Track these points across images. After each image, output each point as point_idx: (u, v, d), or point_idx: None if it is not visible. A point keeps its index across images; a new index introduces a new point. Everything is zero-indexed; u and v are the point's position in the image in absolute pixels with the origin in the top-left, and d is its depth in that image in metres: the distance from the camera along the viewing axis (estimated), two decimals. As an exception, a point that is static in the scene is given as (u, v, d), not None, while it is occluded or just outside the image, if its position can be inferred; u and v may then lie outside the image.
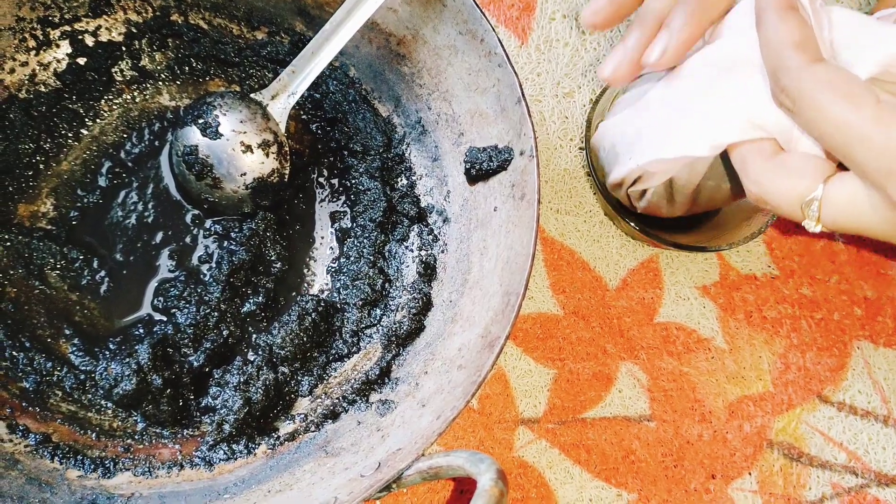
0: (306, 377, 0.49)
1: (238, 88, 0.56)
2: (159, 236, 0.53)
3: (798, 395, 0.55)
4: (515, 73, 0.47)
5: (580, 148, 0.59)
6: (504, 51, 0.47)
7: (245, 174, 0.51)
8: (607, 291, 0.57)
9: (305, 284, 0.53)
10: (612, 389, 0.55)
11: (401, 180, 0.54)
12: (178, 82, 0.56)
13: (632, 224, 0.52)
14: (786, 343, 0.56)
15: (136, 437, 0.47)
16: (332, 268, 0.53)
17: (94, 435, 0.47)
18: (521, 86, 0.47)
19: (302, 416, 0.48)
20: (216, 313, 0.50)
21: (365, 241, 0.53)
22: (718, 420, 0.54)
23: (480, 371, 0.41)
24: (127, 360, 0.47)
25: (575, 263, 0.57)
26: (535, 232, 0.44)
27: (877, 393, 0.56)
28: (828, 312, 0.57)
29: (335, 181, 0.55)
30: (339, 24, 0.50)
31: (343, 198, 0.55)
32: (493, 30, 0.47)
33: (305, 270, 0.54)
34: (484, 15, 0.48)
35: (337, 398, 0.48)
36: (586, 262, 0.57)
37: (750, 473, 0.54)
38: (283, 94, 0.52)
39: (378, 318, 0.51)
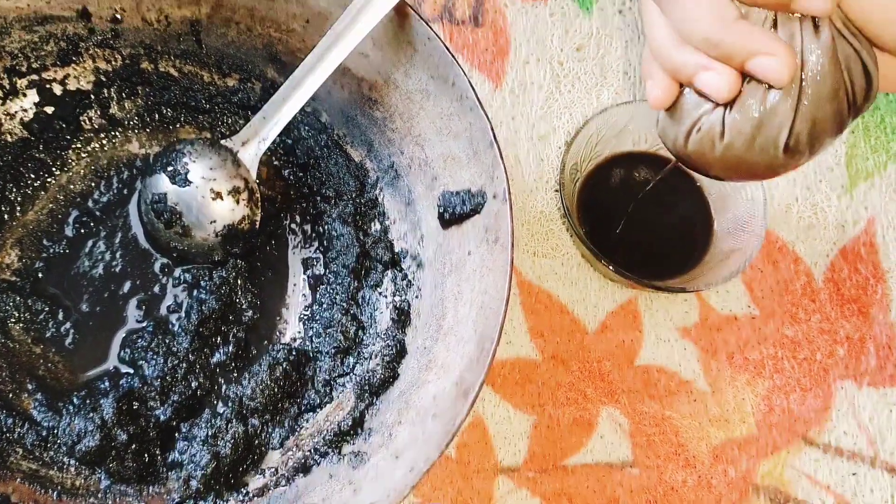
0: (277, 429, 0.48)
1: (209, 135, 0.56)
2: (127, 286, 0.52)
3: (783, 437, 0.54)
4: (487, 116, 0.46)
5: (555, 190, 0.59)
6: (475, 94, 0.47)
7: (215, 221, 0.50)
8: (586, 335, 0.56)
9: (278, 333, 0.52)
10: (594, 435, 0.53)
11: (374, 225, 0.53)
12: (147, 130, 0.55)
13: (609, 266, 0.52)
14: (769, 384, 0.55)
15: (100, 495, 0.45)
16: (305, 315, 0.52)
17: (55, 494, 0.45)
18: (492, 129, 0.46)
19: (272, 469, 0.47)
20: (184, 364, 0.49)
21: (338, 287, 0.52)
22: (703, 465, 0.53)
23: (455, 420, 0.40)
24: (90, 414, 0.45)
25: (553, 307, 0.56)
26: (509, 276, 0.43)
27: (862, 433, 0.55)
28: (810, 353, 0.57)
29: (308, 227, 0.54)
30: (309, 70, 0.49)
31: (316, 244, 0.54)
32: (465, 74, 0.47)
33: (277, 318, 0.52)
34: (455, 59, 0.48)
35: (308, 450, 0.47)
36: (564, 305, 0.56)
37: (736, 520, 0.52)
38: (254, 141, 0.51)
39: (351, 366, 0.50)
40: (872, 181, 0.62)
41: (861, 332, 0.57)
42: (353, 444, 0.46)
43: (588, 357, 0.55)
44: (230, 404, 0.48)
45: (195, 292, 0.51)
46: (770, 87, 0.38)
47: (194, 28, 0.53)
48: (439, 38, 0.48)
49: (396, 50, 0.50)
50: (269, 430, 0.48)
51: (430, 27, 0.48)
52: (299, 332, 0.52)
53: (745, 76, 0.39)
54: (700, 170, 0.44)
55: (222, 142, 0.51)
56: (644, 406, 0.54)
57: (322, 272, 0.53)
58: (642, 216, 0.58)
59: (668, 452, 0.53)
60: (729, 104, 0.39)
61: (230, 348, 0.50)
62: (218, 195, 0.50)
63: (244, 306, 0.52)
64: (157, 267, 0.52)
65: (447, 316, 0.47)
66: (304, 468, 0.46)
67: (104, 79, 0.54)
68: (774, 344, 0.56)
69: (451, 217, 0.48)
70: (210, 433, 0.46)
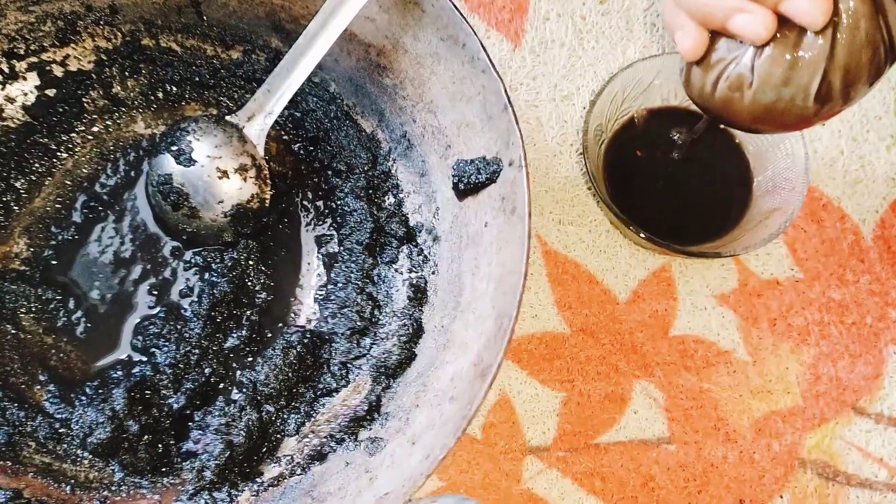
0: (293, 415, 0.46)
1: (215, 111, 0.54)
2: (138, 271, 0.50)
3: (831, 408, 0.51)
4: (500, 78, 0.43)
5: (580, 153, 0.56)
6: (487, 55, 0.44)
7: (223, 201, 0.48)
8: (617, 305, 0.53)
9: (292, 314, 0.50)
10: (627, 411, 0.51)
11: (388, 199, 0.51)
12: (152, 109, 0.53)
13: (640, 234, 0.49)
14: (815, 352, 0.52)
15: (114, 488, 0.44)
16: (320, 295, 0.50)
17: (68, 488, 0.44)
18: (506, 91, 0.43)
19: (288, 458, 0.45)
20: (197, 350, 0.47)
21: (353, 265, 0.50)
22: (744, 439, 0.50)
23: (472, 404, 0.38)
24: (102, 405, 0.44)
25: (581, 277, 0.53)
26: (526, 248, 0.40)
27: (918, 402, 0.51)
28: (859, 316, 0.53)
29: (320, 203, 0.52)
30: (313, 37, 0.47)
31: (329, 220, 0.52)
32: (475, 33, 0.44)
33: (292, 300, 0.51)
34: (465, 18, 0.45)
35: (325, 437, 0.45)
36: (593, 274, 0.53)
37: (782, 496, 0.49)
38: (260, 115, 0.49)
39: (368, 347, 0.48)
40: (925, 129, 0.57)
41: (915, 293, 0.53)
42: (370, 429, 0.44)
43: (619, 329, 0.52)
44: (244, 391, 0.46)
45: (206, 275, 0.50)
46: (802, 31, 0.36)
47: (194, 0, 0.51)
48: (447, -5, 0.45)
49: (403, 12, 0.47)
50: (285, 416, 0.46)
51: (436, -16, 0.45)
52: (314, 313, 0.50)
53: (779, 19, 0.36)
54: (727, 121, 0.41)
55: (227, 118, 0.49)
56: (680, 379, 0.51)
57: (336, 250, 0.51)
58: (675, 177, 0.54)
59: (706, 427, 0.50)
60: (759, 49, 0.37)
61: (244, 332, 0.49)
62: (224, 174, 0.48)
63: (257, 288, 0.50)
64: (167, 250, 0.51)
65: (464, 292, 0.45)
66: (319, 455, 0.44)
67: (105, 58, 0.52)
68: (820, 308, 0.53)
69: (467, 187, 0.46)
70: (224, 422, 0.45)
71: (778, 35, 0.36)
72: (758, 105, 0.38)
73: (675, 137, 0.54)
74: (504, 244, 0.43)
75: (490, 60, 0.44)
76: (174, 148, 0.48)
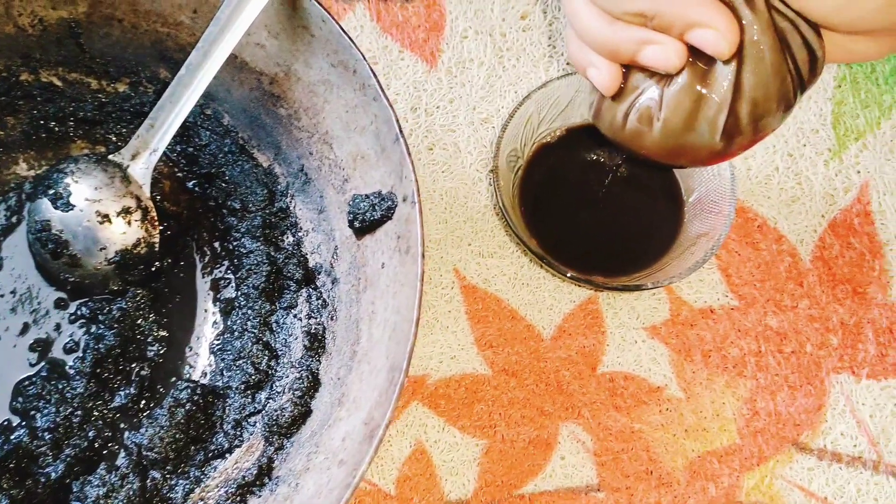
0: (181, 480, 0.42)
1: (103, 149, 0.50)
2: (18, 326, 0.46)
3: (770, 445, 0.48)
4: (391, 106, 0.40)
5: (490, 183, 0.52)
6: (377, 81, 0.41)
7: (105, 248, 0.45)
8: (541, 342, 0.49)
9: (188, 367, 0.46)
10: (553, 457, 0.47)
11: (287, 238, 0.47)
12: (35, 148, 0.49)
13: (560, 272, 0.45)
14: (752, 385, 0.49)
15: (-20, 571, 0.40)
16: (216, 345, 0.47)
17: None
18: (398, 121, 0.40)
19: (171, 531, 0.41)
20: (80, 412, 0.44)
21: (250, 311, 0.46)
22: (678, 484, 0.47)
23: (357, 470, 0.34)
24: (-31, 479, 0.40)
25: (502, 313, 0.50)
26: (418, 293, 0.37)
27: (863, 434, 0.48)
28: (798, 345, 0.50)
29: (217, 245, 0.49)
30: (196, 67, 0.44)
31: (226, 263, 0.48)
32: (364, 58, 0.41)
33: (187, 350, 0.47)
34: (353, 43, 0.41)
35: (213, 504, 0.41)
36: (515, 309, 0.50)
37: (720, 544, 0.46)
38: (145, 152, 0.45)
39: (262, 402, 0.44)
40: (864, 141, 0.54)
41: (857, 317, 0.50)
42: (259, 495, 0.40)
43: (544, 368, 0.49)
44: (130, 455, 0.42)
45: (93, 328, 0.46)
46: (709, 63, 0.34)
47: (73, 30, 0.47)
48: (334, 19, 0.42)
49: (293, 37, 0.44)
50: (173, 482, 0.42)
51: (323, 6, 0.42)
52: (210, 365, 0.46)
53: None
54: (639, 154, 0.38)
55: (110, 157, 0.46)
56: (609, 420, 0.48)
57: (234, 295, 0.47)
58: (600, 202, 0.51)
59: (638, 471, 0.47)
60: (667, 82, 0.35)
61: (132, 389, 0.45)
62: (106, 218, 0.45)
63: (149, 339, 0.46)
64: (51, 302, 0.47)
65: (361, 340, 0.41)
66: (205, 528, 0.40)
67: (-20, 96, 0.48)
68: (757, 337, 0.49)
69: (363, 224, 0.42)
70: (102, 492, 0.41)
71: (686, 68, 0.34)
72: (667, 138, 0.36)
73: (597, 158, 0.51)
74: (400, 287, 0.39)
75: (381, 87, 0.40)
76: (51, 192, 0.45)
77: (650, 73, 0.36)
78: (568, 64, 0.56)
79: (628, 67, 0.37)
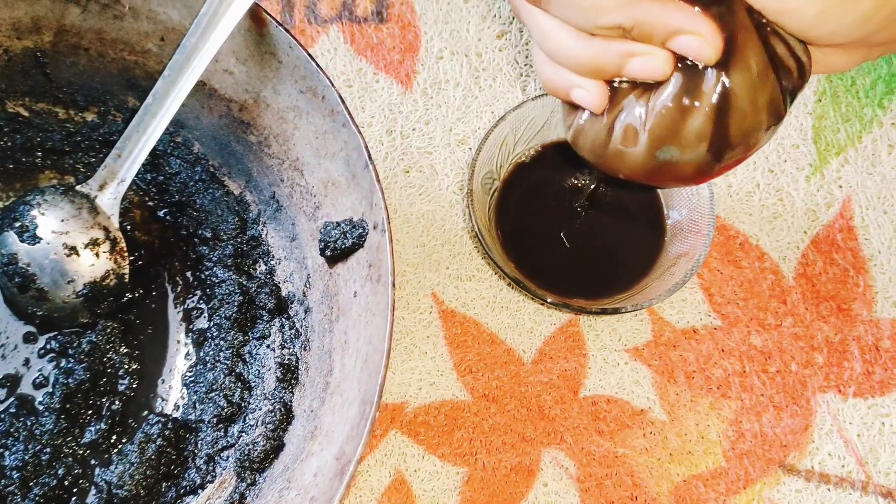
0: (152, 519, 0.41)
1: (72, 179, 0.49)
2: (-14, 362, 0.45)
3: (756, 467, 0.47)
4: (360, 132, 0.39)
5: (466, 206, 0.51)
6: (346, 108, 0.40)
7: (73, 281, 0.44)
8: (522, 366, 0.48)
9: (160, 400, 0.45)
10: (536, 484, 0.46)
11: (259, 266, 0.46)
12: (1, 180, 0.49)
13: (539, 298, 0.44)
14: (736, 406, 0.48)
15: None
16: (189, 377, 0.46)
17: None
18: (367, 148, 0.39)
19: (141, 572, 0.40)
20: (49, 449, 0.43)
21: (222, 342, 0.45)
22: (664, 509, 0.46)
23: (328, 508, 0.33)
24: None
25: (482, 337, 0.49)
26: (389, 323, 0.36)
27: (850, 454, 0.47)
28: (783, 364, 0.49)
29: (189, 274, 0.48)
30: (163, 96, 0.43)
31: (199, 293, 0.47)
32: (332, 84, 0.40)
33: (160, 383, 0.46)
34: (321, 69, 0.41)
35: (183, 545, 0.40)
36: (495, 333, 0.49)
37: (707, 571, 0.45)
38: (112, 182, 0.45)
39: (235, 436, 0.43)
40: (846, 155, 0.54)
41: (842, 334, 0.49)
42: (230, 535, 0.39)
43: (525, 392, 0.48)
44: (101, 493, 0.41)
45: (63, 362, 0.45)
46: (694, 75, 0.33)
47: (39, 60, 0.46)
48: (301, 45, 0.41)
49: (261, 63, 0.43)
50: (143, 521, 0.41)
51: (290, 32, 0.41)
52: (183, 398, 0.45)
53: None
54: (622, 174, 0.37)
55: (77, 187, 0.45)
56: (592, 444, 0.47)
57: (206, 325, 0.46)
58: (580, 223, 0.50)
59: (622, 497, 0.46)
60: (650, 96, 0.34)
61: (103, 424, 0.44)
62: (73, 250, 0.44)
63: (120, 373, 0.45)
64: (20, 336, 0.46)
65: (334, 371, 0.40)
66: (174, 569, 0.39)
67: (-56, 128, 0.47)
68: (741, 357, 0.49)
69: (334, 253, 0.41)
70: (69, 534, 0.40)
71: (670, 79, 0.33)
72: (652, 154, 0.35)
73: (575, 178, 0.50)
74: (371, 317, 0.38)
75: (349, 113, 0.40)
76: (17, 224, 0.44)
77: (632, 85, 0.35)
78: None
79: (608, 83, 0.36)
